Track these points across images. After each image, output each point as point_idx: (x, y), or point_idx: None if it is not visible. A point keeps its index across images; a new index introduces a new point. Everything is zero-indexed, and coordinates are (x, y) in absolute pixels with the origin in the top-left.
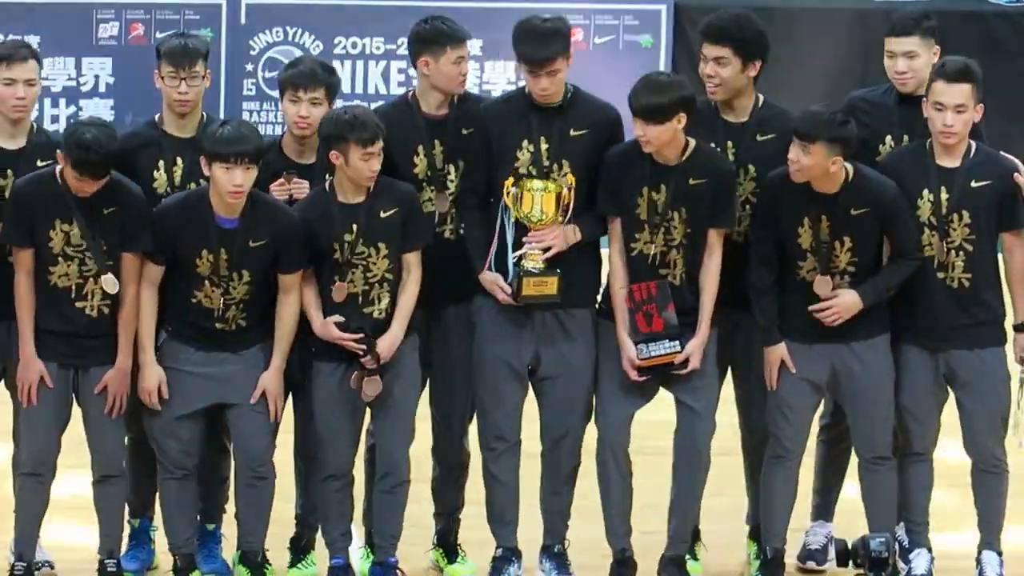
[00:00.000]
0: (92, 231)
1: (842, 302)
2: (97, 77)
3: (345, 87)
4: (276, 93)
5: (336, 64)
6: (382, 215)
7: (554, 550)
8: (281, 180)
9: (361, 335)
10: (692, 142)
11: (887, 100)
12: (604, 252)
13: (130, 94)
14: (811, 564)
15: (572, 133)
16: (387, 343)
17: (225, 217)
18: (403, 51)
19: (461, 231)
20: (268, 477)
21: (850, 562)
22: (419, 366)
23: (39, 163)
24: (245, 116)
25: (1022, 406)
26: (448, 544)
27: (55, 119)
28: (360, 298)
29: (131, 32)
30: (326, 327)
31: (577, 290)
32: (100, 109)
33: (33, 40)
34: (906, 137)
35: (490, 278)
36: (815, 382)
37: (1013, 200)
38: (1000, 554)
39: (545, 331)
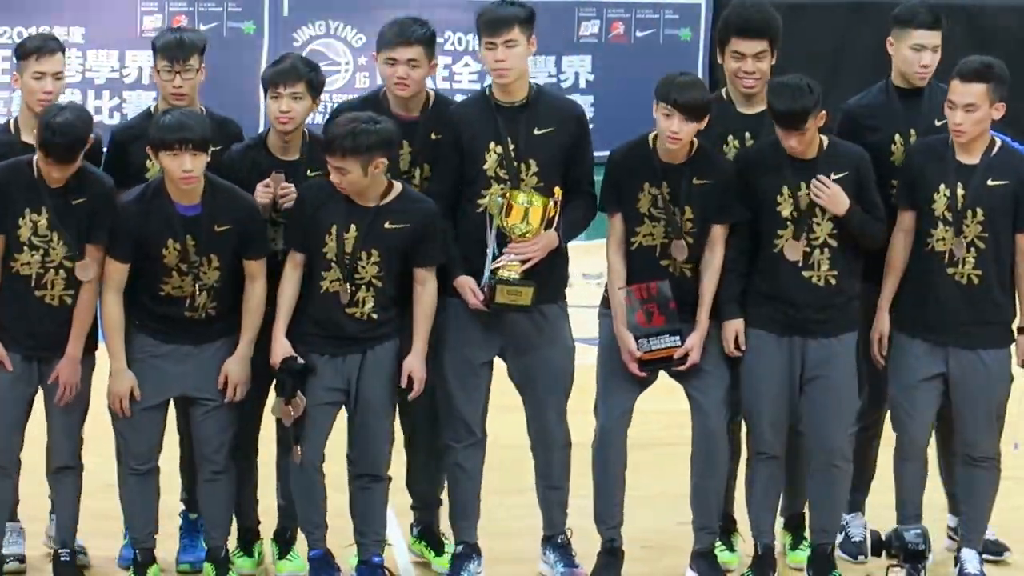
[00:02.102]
0: (60, 221)
1: (835, 193)
2: (140, 69)
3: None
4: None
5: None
6: (388, 226)
7: (557, 541)
8: (267, 181)
9: (288, 373)
10: (696, 142)
11: (887, 100)
12: (578, 246)
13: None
14: (860, 558)
15: (536, 131)
16: (416, 362)
17: (185, 205)
18: (449, 46)
19: None
20: (228, 472)
21: (883, 552)
22: (398, 367)
23: None
24: None
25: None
26: (431, 536)
27: (98, 111)
28: (347, 298)
29: (175, 24)
30: (274, 351)
31: (546, 288)
32: (144, 101)
33: (78, 32)
34: (913, 132)
35: (464, 283)
36: (786, 373)
37: None
38: (981, 552)
39: (514, 327)
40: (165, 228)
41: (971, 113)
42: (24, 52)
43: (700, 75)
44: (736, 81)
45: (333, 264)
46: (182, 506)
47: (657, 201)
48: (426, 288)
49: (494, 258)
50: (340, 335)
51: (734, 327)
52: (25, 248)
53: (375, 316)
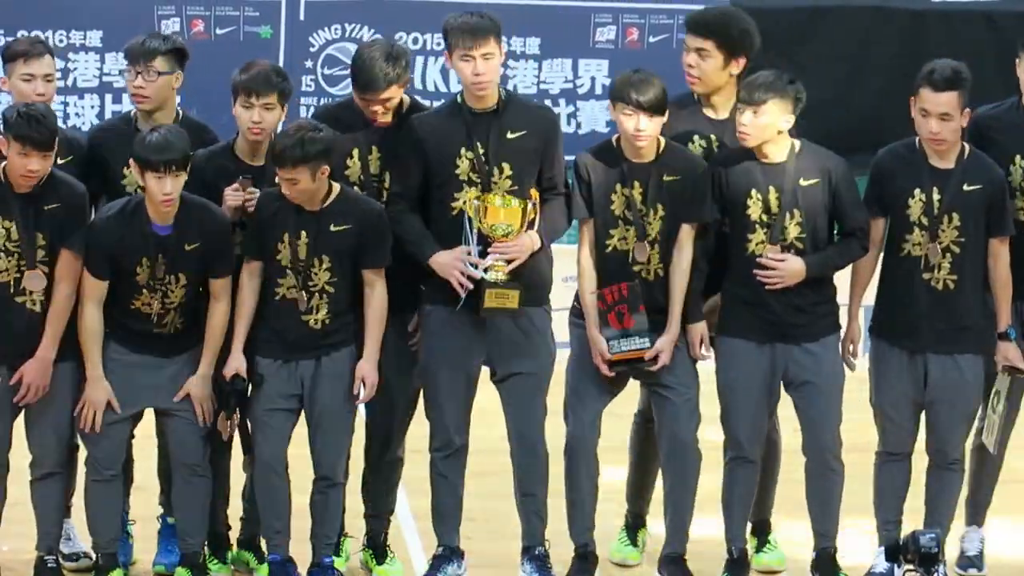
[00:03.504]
0: (30, 226)
1: (787, 267)
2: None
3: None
4: (336, 90)
5: None
6: (333, 228)
7: (535, 552)
8: (236, 185)
9: (231, 389)
10: (663, 140)
11: (1016, 118)
12: (560, 249)
13: (193, 88)
14: (972, 571)
15: (509, 135)
16: (368, 368)
17: (160, 224)
18: None
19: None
20: (204, 476)
21: (900, 558)
22: (354, 376)
23: (58, 160)
24: (303, 112)
25: (998, 412)
26: (378, 545)
27: (116, 114)
28: (300, 305)
29: (192, 28)
30: (229, 365)
31: (531, 291)
32: None
33: (94, 36)
34: None
35: (446, 258)
36: (767, 382)
37: (1002, 206)
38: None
39: (499, 333)
40: (140, 247)
41: (947, 122)
42: (11, 55)
43: None
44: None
45: (288, 271)
46: (161, 510)
47: (629, 203)
48: (375, 291)
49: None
50: (295, 342)
51: (699, 330)
52: (1, 255)
53: (328, 322)
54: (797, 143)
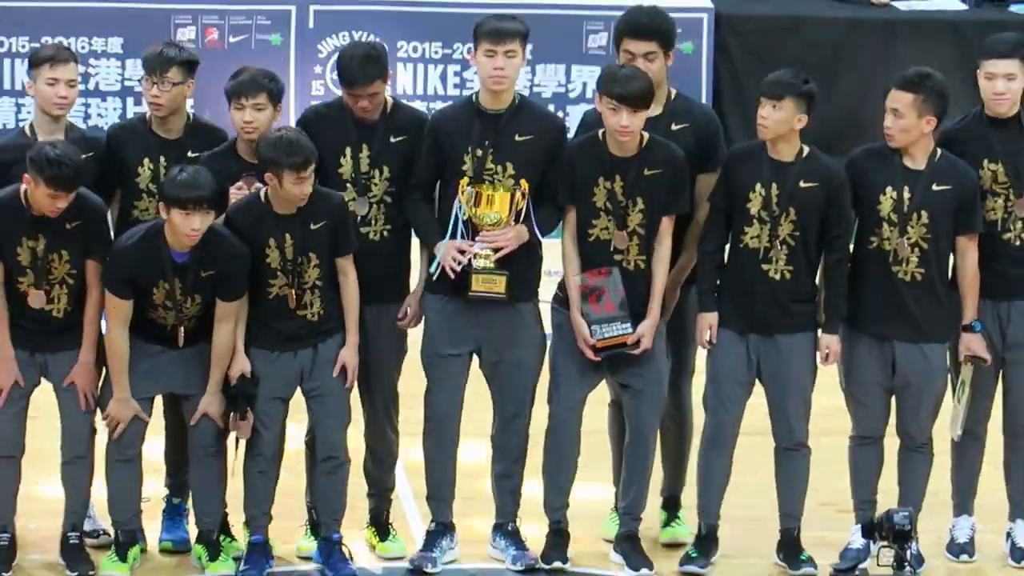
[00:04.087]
0: (56, 245)
1: (832, 350)
2: None
3: (408, 88)
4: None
5: (399, 66)
6: (313, 227)
7: (507, 528)
8: (240, 184)
9: (240, 391)
10: (646, 135)
11: (978, 127)
12: (545, 243)
13: (206, 95)
14: (963, 557)
15: (517, 138)
16: (349, 353)
17: (178, 252)
18: (458, 55)
19: (385, 233)
20: (218, 457)
21: (876, 534)
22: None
23: (79, 156)
24: None
25: (963, 402)
26: (380, 523)
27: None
28: (292, 301)
29: (207, 36)
30: (234, 367)
31: (521, 286)
32: None
33: (115, 43)
34: (1002, 160)
35: (438, 247)
36: (744, 369)
37: (971, 205)
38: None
39: (490, 322)
40: (157, 272)
41: (899, 120)
42: (38, 60)
43: (704, 87)
44: None
45: (279, 272)
46: (166, 491)
47: (611, 195)
48: (348, 277)
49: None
50: (293, 335)
51: (709, 320)
52: (28, 271)
53: (322, 313)
54: (806, 148)
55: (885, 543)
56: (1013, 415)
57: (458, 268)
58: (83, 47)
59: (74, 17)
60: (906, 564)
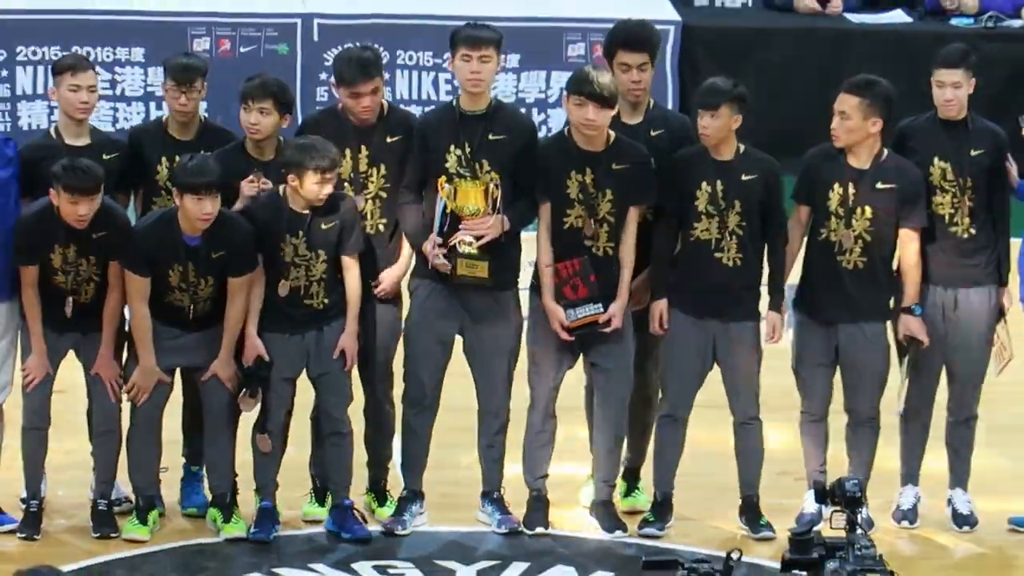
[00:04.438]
0: (85, 251)
1: (777, 327)
2: None
3: (404, 93)
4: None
5: (396, 73)
6: (323, 227)
7: (493, 496)
8: (251, 178)
9: (255, 373)
10: (612, 133)
11: (931, 127)
12: (526, 236)
13: (219, 101)
14: (904, 523)
15: (492, 137)
16: (348, 340)
17: (191, 236)
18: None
19: (381, 227)
20: (229, 427)
21: (828, 500)
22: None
23: (104, 156)
24: None
25: (902, 378)
26: (379, 490)
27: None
28: (301, 292)
29: (220, 46)
30: (248, 352)
31: (502, 273)
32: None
33: (138, 52)
34: (950, 159)
35: (429, 246)
36: (700, 351)
37: (915, 201)
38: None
39: (472, 308)
40: (171, 255)
41: (844, 121)
42: (60, 68)
43: (670, 92)
44: (624, 92)
45: (291, 267)
46: (183, 460)
47: (583, 186)
48: (351, 273)
49: (444, 234)
50: (301, 319)
51: (659, 307)
52: (59, 272)
53: (327, 302)
54: (743, 146)
55: (837, 508)
56: (954, 392)
57: (442, 261)
58: (108, 56)
59: (101, 29)
60: (858, 527)
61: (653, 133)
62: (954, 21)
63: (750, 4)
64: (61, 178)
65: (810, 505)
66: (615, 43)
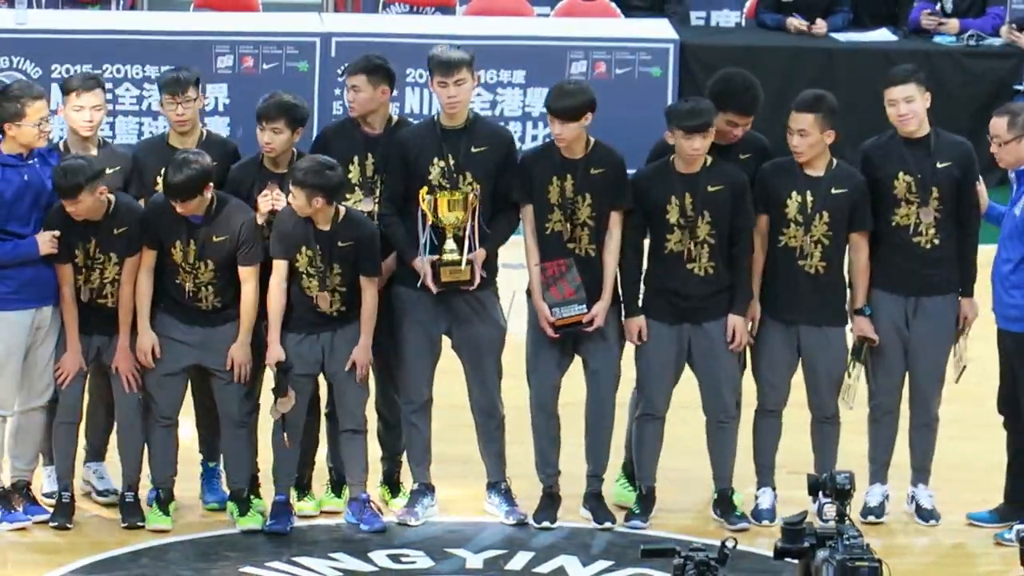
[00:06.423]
0: (107, 246)
1: (739, 330)
2: (216, 99)
3: (415, 107)
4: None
5: (407, 90)
6: (340, 244)
7: (500, 487)
8: (265, 192)
9: (282, 375)
10: (592, 139)
11: (894, 145)
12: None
13: (242, 114)
14: (871, 519)
15: (473, 149)
16: (360, 353)
17: (194, 215)
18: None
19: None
20: (245, 427)
21: (819, 492)
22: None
23: (107, 170)
24: None
25: (852, 376)
26: (392, 482)
27: None
28: (317, 300)
29: (243, 63)
30: (270, 355)
31: (482, 275)
32: (219, 126)
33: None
34: (915, 175)
35: (420, 263)
36: (675, 355)
37: (863, 206)
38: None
39: (456, 309)
40: (174, 230)
41: (804, 137)
42: (67, 88)
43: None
44: (718, 139)
45: (304, 276)
46: (201, 456)
47: (562, 192)
48: (368, 292)
49: (431, 249)
50: (315, 322)
51: (637, 324)
52: (84, 269)
53: (342, 309)
54: (709, 158)
55: (828, 500)
56: (915, 395)
57: (431, 282)
58: (137, 73)
59: (130, 48)
60: (846, 518)
61: (594, 171)
62: (936, 39)
63: (743, 24)
64: (53, 178)
65: (765, 499)
66: (722, 106)
